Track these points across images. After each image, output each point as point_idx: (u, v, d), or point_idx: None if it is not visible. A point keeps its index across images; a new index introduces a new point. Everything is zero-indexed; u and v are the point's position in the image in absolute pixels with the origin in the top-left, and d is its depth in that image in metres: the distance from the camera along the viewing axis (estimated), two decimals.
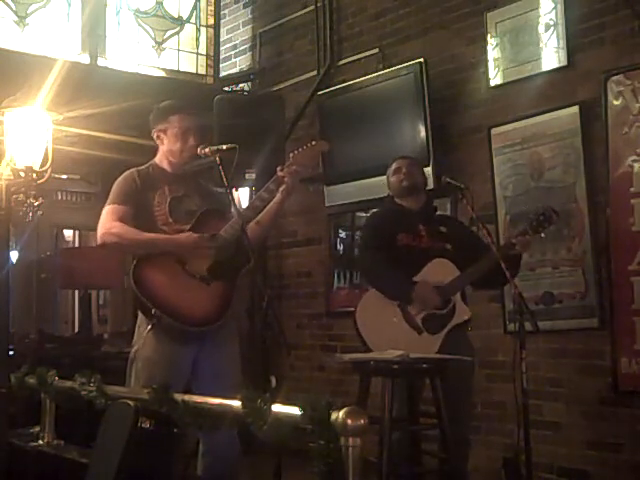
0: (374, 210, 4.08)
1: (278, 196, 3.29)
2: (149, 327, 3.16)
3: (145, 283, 3.12)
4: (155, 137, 3.36)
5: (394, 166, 3.85)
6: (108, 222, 3.20)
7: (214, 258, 3.17)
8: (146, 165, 3.38)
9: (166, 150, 3.34)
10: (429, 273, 3.59)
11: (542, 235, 3.65)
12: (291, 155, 3.28)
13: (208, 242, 3.15)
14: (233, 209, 3.16)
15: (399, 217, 3.76)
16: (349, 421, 2.03)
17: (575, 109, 4.30)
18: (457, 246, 3.71)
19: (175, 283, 3.13)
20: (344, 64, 5.68)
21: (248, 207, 3.33)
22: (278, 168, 3.28)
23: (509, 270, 3.43)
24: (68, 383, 3.27)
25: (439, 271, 3.60)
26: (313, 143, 3.37)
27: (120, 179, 3.31)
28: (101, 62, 5.74)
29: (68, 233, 9.22)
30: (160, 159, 3.38)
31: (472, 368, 3.67)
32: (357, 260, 4.04)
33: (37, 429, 3.45)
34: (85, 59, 5.66)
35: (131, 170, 3.33)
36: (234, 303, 3.21)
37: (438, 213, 3.96)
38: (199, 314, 3.13)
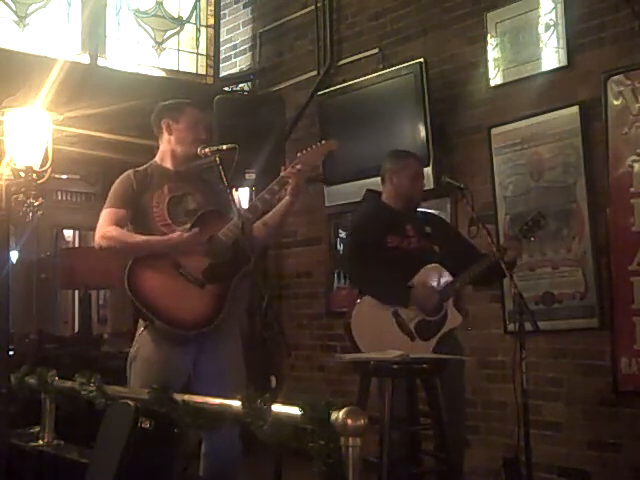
0: (357, 211, 4.00)
1: (286, 199, 3.26)
2: (142, 328, 3.17)
3: (138, 286, 3.10)
4: (164, 126, 3.30)
5: (411, 168, 3.75)
6: (103, 226, 3.19)
7: (210, 261, 3.15)
8: (144, 166, 3.35)
9: (174, 140, 3.29)
10: (422, 279, 3.58)
11: (532, 239, 3.69)
12: (298, 155, 3.25)
13: (200, 239, 3.12)
14: (234, 209, 3.15)
15: (385, 217, 3.74)
16: (349, 421, 2.04)
17: (575, 109, 4.30)
18: (443, 247, 3.72)
19: (168, 286, 3.12)
20: (344, 64, 5.67)
21: (249, 208, 3.29)
22: (282, 168, 3.26)
23: (502, 272, 3.46)
24: (68, 383, 3.28)
25: (432, 277, 3.59)
26: (322, 142, 3.34)
27: (117, 181, 3.29)
28: (101, 62, 5.73)
29: (68, 233, 9.23)
30: (162, 156, 3.34)
31: (462, 367, 3.68)
32: (346, 267, 3.98)
33: (37, 429, 3.46)
34: (85, 59, 5.66)
35: (128, 172, 3.30)
36: (231, 304, 3.17)
37: (420, 210, 3.89)
38: (191, 317, 3.11)
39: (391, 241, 3.66)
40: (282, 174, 3.22)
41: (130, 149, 5.30)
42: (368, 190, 3.93)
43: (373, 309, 3.57)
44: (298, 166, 3.20)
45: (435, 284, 3.58)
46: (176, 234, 3.14)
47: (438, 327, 3.57)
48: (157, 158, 3.36)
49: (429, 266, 3.62)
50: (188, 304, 3.12)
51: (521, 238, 3.63)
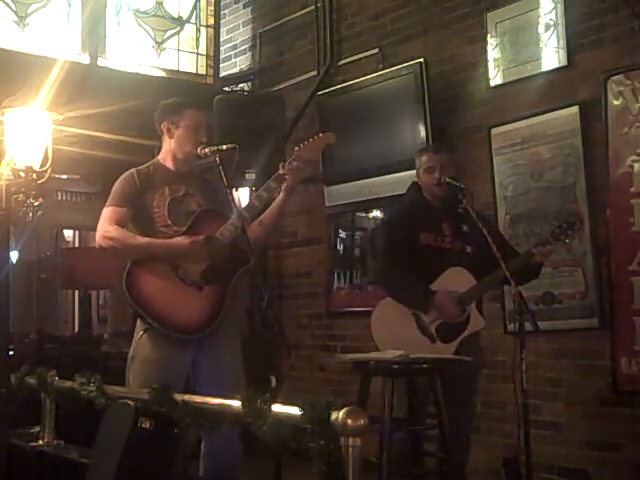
0: (397, 203, 3.92)
1: (280, 196, 3.25)
2: (142, 331, 3.16)
3: (137, 289, 3.10)
4: (164, 130, 3.30)
5: (426, 162, 3.68)
6: (105, 225, 3.19)
7: (208, 262, 3.14)
8: (147, 164, 3.35)
9: (174, 144, 3.29)
10: (445, 282, 3.54)
11: (566, 241, 3.59)
12: (296, 149, 3.24)
13: (202, 245, 3.11)
14: (234, 209, 3.15)
15: (423, 212, 3.68)
16: (349, 421, 2.03)
17: (575, 109, 4.29)
18: (476, 248, 3.62)
19: (167, 289, 3.11)
20: (344, 64, 5.67)
21: (247, 206, 3.29)
22: (280, 165, 3.25)
23: (529, 275, 3.53)
24: (68, 383, 3.28)
25: (455, 280, 3.54)
26: (319, 135, 3.31)
27: (119, 180, 3.28)
28: (101, 62, 5.73)
29: (68, 233, 9.24)
30: (164, 157, 3.34)
31: (478, 369, 3.67)
32: (372, 261, 3.82)
33: (37, 429, 3.46)
34: (85, 59, 5.66)
35: (131, 170, 3.30)
36: (231, 305, 3.17)
37: (462, 206, 3.67)
38: (190, 321, 3.11)
39: (423, 239, 3.60)
40: (280, 171, 3.21)
41: (130, 149, 5.30)
42: (414, 182, 3.80)
43: (394, 309, 3.55)
44: (295, 162, 3.19)
45: (456, 288, 3.53)
46: (178, 239, 3.14)
47: (460, 330, 3.53)
48: (160, 157, 3.36)
49: (453, 269, 3.56)
50: (187, 307, 3.11)
51: (552, 241, 3.53)
